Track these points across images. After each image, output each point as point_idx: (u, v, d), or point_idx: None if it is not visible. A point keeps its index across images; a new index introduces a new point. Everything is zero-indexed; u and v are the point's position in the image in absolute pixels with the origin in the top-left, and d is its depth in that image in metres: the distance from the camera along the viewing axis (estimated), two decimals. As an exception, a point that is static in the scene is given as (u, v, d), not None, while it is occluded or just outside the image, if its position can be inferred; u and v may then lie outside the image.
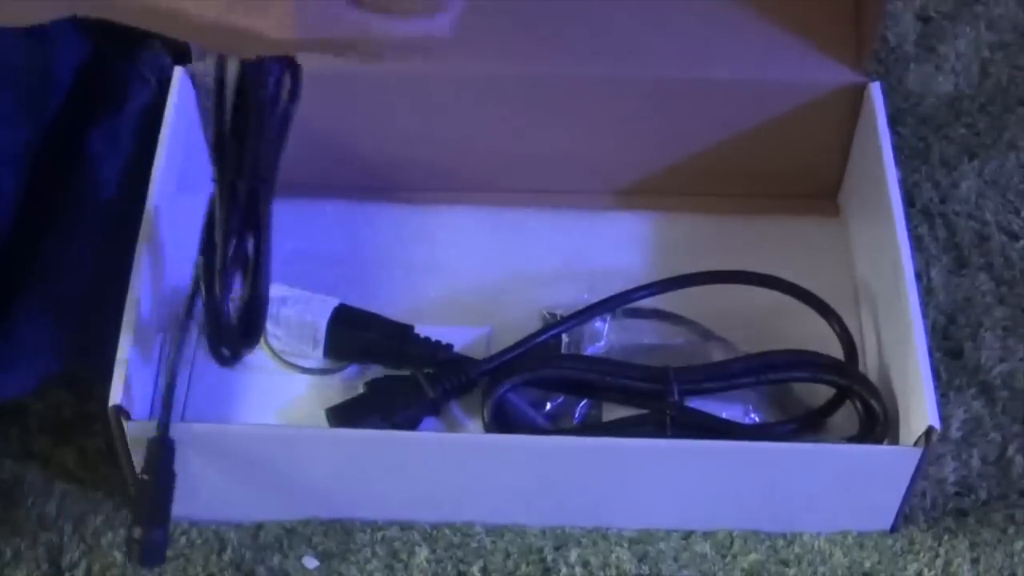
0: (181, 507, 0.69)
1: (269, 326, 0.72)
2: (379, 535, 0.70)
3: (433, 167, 0.82)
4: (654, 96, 0.79)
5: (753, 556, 0.70)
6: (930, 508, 0.72)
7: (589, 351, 0.74)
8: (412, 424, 0.71)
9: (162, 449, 0.65)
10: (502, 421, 0.70)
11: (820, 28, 0.78)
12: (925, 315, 0.75)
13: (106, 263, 0.71)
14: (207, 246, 0.65)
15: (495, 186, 0.82)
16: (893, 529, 0.71)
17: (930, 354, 0.69)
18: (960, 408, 0.75)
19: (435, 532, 0.70)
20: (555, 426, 0.72)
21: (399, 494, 0.70)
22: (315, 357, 0.73)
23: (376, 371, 0.73)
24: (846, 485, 0.69)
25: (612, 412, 0.72)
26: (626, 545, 0.70)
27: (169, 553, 0.69)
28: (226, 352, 0.68)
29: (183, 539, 0.70)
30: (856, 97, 0.78)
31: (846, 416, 0.72)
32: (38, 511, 0.71)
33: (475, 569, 0.69)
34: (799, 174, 0.82)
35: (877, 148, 0.76)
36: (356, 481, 0.69)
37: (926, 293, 0.79)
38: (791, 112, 0.79)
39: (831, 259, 0.80)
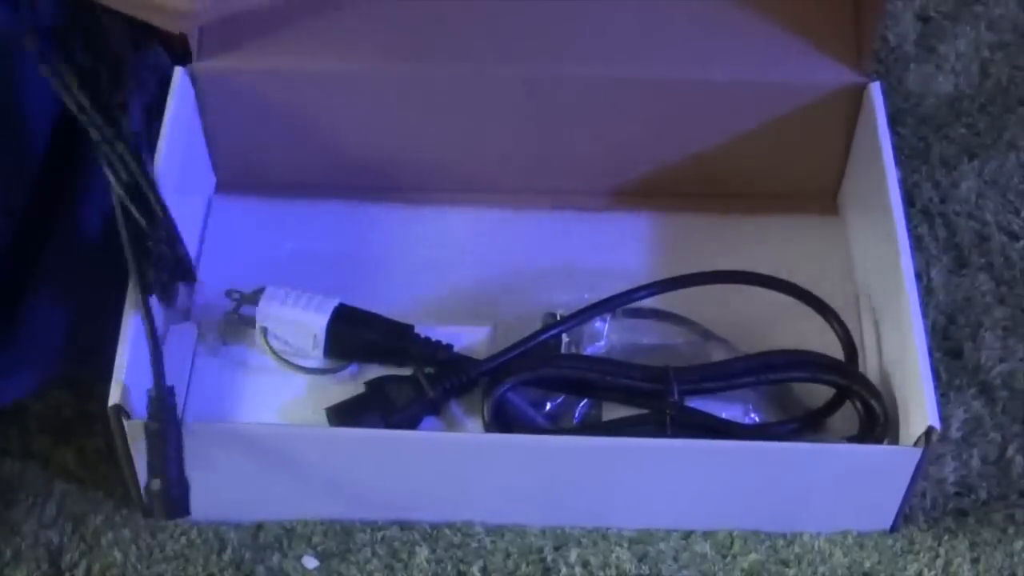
0: (190, 504, 0.69)
1: (269, 326, 0.73)
2: (379, 535, 0.70)
3: (433, 167, 0.82)
4: (654, 96, 0.79)
5: (753, 556, 0.70)
6: (930, 508, 0.72)
7: (589, 351, 0.74)
8: (412, 424, 0.71)
9: (164, 398, 0.65)
10: (502, 421, 0.70)
11: (820, 28, 0.78)
12: (925, 315, 0.75)
13: (107, 265, 0.71)
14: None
15: (495, 186, 0.82)
16: (893, 529, 0.71)
17: (930, 354, 0.69)
18: (960, 408, 0.75)
19: (435, 532, 0.70)
20: (555, 426, 0.72)
21: (399, 494, 0.70)
22: (315, 357, 0.73)
23: (376, 371, 0.73)
24: (846, 485, 0.69)
25: (612, 412, 0.72)
26: (626, 545, 0.70)
27: (169, 553, 0.69)
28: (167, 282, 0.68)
29: (183, 539, 0.70)
30: (856, 97, 0.78)
31: (846, 416, 0.72)
32: (38, 511, 0.71)
33: (475, 569, 0.69)
34: (799, 174, 0.82)
35: (877, 148, 0.76)
36: (356, 481, 0.69)
37: (926, 293, 0.79)
38: (791, 112, 0.79)
39: (831, 259, 0.80)
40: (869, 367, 0.74)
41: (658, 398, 0.70)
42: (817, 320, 0.74)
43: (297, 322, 0.72)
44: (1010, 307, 0.79)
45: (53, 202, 0.72)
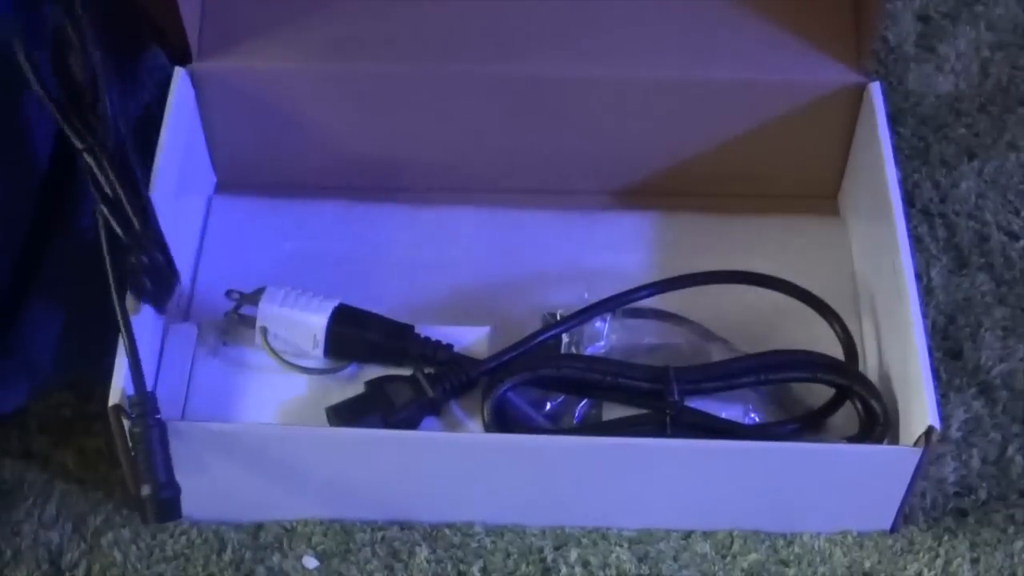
0: (181, 506, 0.69)
1: (269, 326, 0.73)
2: (379, 535, 0.70)
3: (433, 167, 0.82)
4: (654, 96, 0.79)
5: (753, 556, 0.70)
6: (930, 508, 0.72)
7: (589, 351, 0.74)
8: (412, 424, 0.71)
9: (144, 402, 0.65)
10: (502, 421, 0.70)
11: (820, 28, 0.78)
12: (925, 315, 0.75)
13: (104, 276, 0.71)
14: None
15: (495, 186, 0.82)
16: (893, 529, 0.71)
17: (930, 354, 0.69)
18: (960, 408, 0.75)
19: (435, 532, 0.70)
20: (555, 426, 0.72)
21: (399, 494, 0.70)
22: (315, 357, 0.73)
23: (376, 371, 0.73)
24: (846, 485, 0.69)
25: (612, 412, 0.72)
26: (626, 545, 0.70)
27: (169, 553, 0.69)
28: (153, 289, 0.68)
29: (183, 539, 0.70)
30: (856, 97, 0.78)
31: (846, 416, 0.72)
32: (38, 511, 0.71)
33: (475, 569, 0.69)
34: (799, 174, 0.82)
35: (877, 148, 0.76)
36: (356, 481, 0.69)
37: (926, 293, 0.79)
38: (791, 112, 0.79)
39: (831, 259, 0.80)
40: (869, 367, 0.74)
41: (658, 398, 0.70)
42: (817, 320, 0.74)
43: (297, 322, 0.72)
44: (1010, 307, 0.79)
45: (52, 213, 0.73)
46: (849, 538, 0.71)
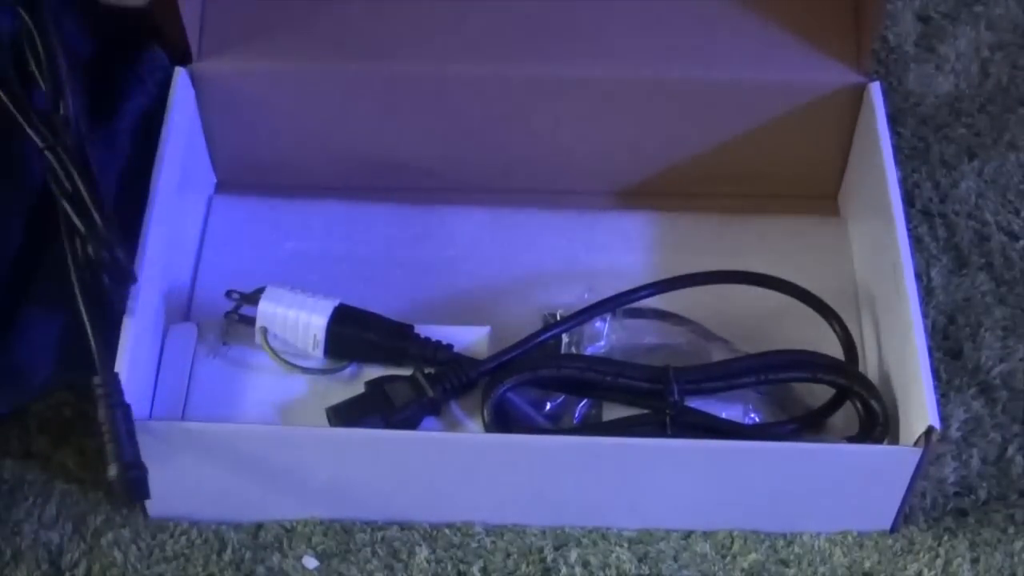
0: (181, 507, 0.69)
1: (269, 326, 0.73)
2: (379, 535, 0.70)
3: (433, 167, 0.82)
4: (654, 96, 0.79)
5: (753, 556, 0.70)
6: (930, 508, 0.72)
7: (589, 351, 0.74)
8: (412, 424, 0.71)
9: (108, 384, 0.65)
10: (502, 421, 0.70)
11: (820, 28, 0.78)
12: (925, 315, 0.75)
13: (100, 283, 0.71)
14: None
15: (495, 186, 0.82)
16: (893, 529, 0.71)
17: (930, 354, 0.69)
18: (960, 408, 0.75)
19: (435, 532, 0.70)
20: (555, 426, 0.72)
21: (399, 494, 0.70)
22: (315, 357, 0.73)
23: (376, 371, 0.73)
24: (846, 485, 0.69)
25: (612, 412, 0.72)
26: (626, 545, 0.70)
27: (169, 553, 0.69)
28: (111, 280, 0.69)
29: (183, 539, 0.70)
30: (856, 97, 0.78)
31: (846, 416, 0.72)
32: (38, 511, 0.71)
33: (475, 569, 0.69)
34: (799, 174, 0.82)
35: (877, 148, 0.76)
36: (356, 481, 0.69)
37: (926, 293, 0.79)
38: (791, 112, 0.79)
39: (831, 259, 0.80)
40: (869, 367, 0.74)
41: (658, 398, 0.70)
42: (817, 320, 0.74)
43: (297, 322, 0.72)
44: (1010, 307, 0.79)
45: (52, 213, 0.72)
46: (849, 538, 0.71)
